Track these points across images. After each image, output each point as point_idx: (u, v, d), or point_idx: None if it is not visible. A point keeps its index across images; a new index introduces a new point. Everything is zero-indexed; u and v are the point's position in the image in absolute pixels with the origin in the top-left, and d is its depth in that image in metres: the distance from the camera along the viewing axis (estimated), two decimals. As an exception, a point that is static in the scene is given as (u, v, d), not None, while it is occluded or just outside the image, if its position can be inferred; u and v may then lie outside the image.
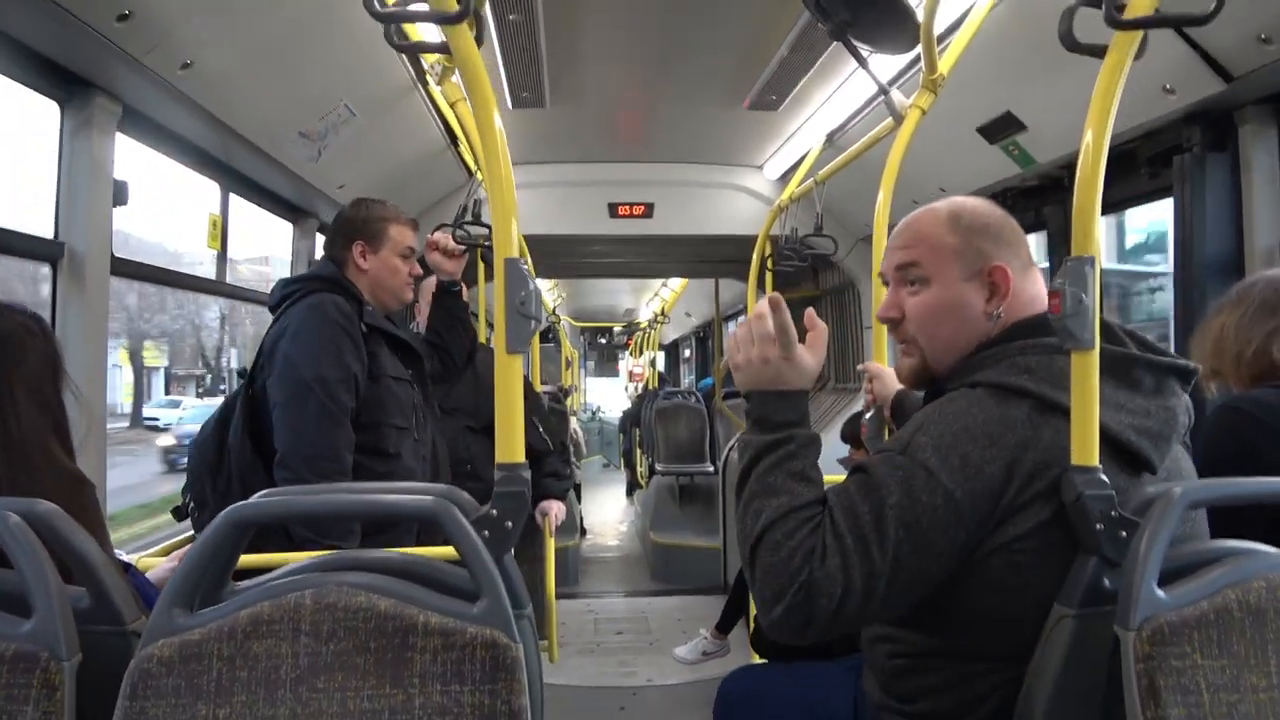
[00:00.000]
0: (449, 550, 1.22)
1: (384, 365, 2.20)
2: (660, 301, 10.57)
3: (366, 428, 2.14)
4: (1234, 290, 1.81)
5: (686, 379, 14.79)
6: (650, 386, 11.37)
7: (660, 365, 12.63)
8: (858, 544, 1.23)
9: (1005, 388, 1.31)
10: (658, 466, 7.72)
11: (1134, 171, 2.63)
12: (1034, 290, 1.43)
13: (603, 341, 17.68)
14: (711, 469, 7.32)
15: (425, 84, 3.10)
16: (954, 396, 1.35)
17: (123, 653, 1.15)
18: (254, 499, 1.22)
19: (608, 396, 19.01)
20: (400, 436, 2.21)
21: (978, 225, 1.43)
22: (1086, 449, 1.23)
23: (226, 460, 2.11)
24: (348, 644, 1.09)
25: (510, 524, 1.26)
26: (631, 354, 15.57)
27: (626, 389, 15.71)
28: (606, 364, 18.99)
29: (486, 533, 1.23)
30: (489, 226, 2.60)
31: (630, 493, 11.22)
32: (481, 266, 4.06)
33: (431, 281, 2.74)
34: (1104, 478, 1.22)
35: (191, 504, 2.19)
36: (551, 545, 3.33)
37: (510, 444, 1.31)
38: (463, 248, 2.61)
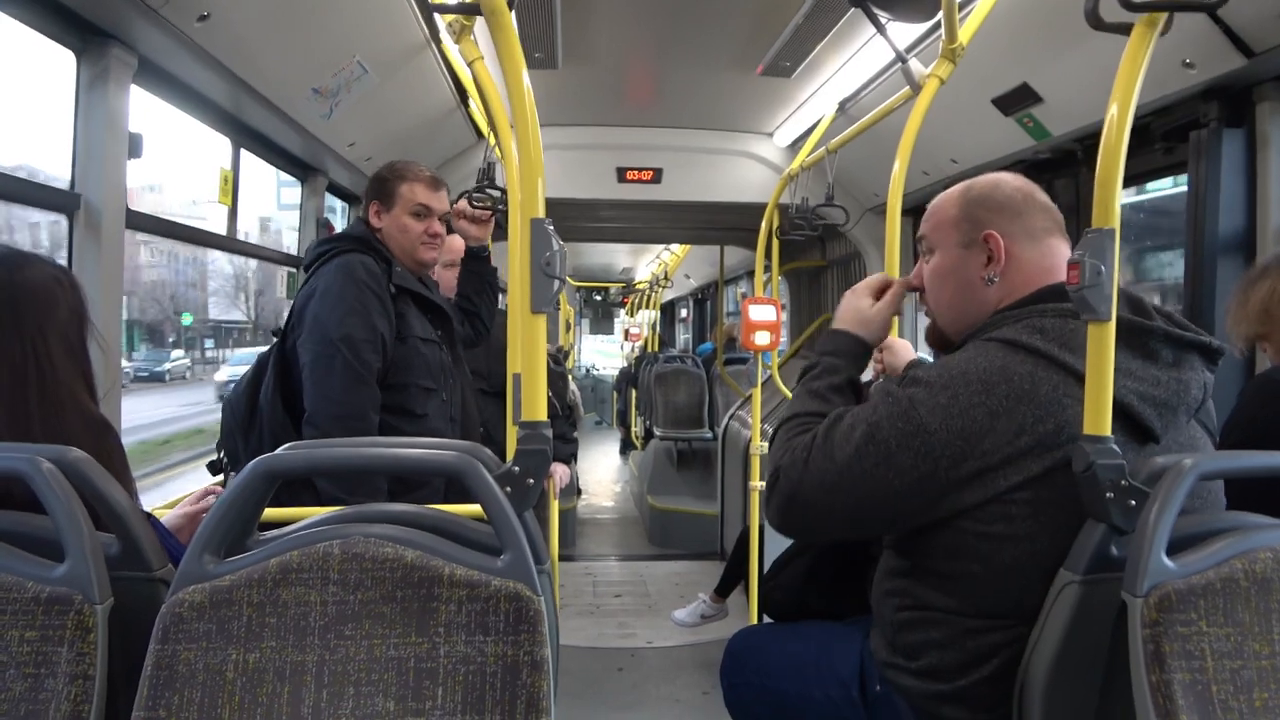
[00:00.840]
0: (473, 508, 1.25)
1: (412, 326, 2.21)
2: (661, 264, 10.54)
3: (393, 388, 2.16)
4: (1276, 255, 1.84)
5: (682, 339, 14.81)
6: (650, 349, 11.37)
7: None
8: (825, 441, 1.40)
9: (1014, 343, 1.37)
10: (656, 431, 7.75)
11: (1149, 146, 2.62)
12: (1048, 261, 1.48)
13: (598, 299, 17.69)
14: (710, 435, 7.36)
15: (439, 42, 3.08)
16: (966, 347, 1.44)
17: (151, 598, 1.18)
18: (281, 450, 1.24)
19: (602, 355, 19.13)
20: (427, 397, 2.23)
21: (980, 197, 1.53)
22: (1100, 419, 1.25)
23: (259, 418, 2.14)
24: (375, 593, 1.12)
25: (532, 481, 1.28)
26: (628, 313, 15.61)
27: (623, 348, 15.75)
28: (601, 322, 19.04)
29: (509, 489, 1.25)
30: (501, 190, 2.62)
31: (624, 451, 11.30)
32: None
33: (457, 246, 2.76)
34: (1115, 448, 1.25)
35: (225, 460, 2.23)
36: (555, 507, 3.36)
37: (533, 402, 1.32)
38: (489, 212, 2.62)
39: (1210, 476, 1.29)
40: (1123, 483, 1.24)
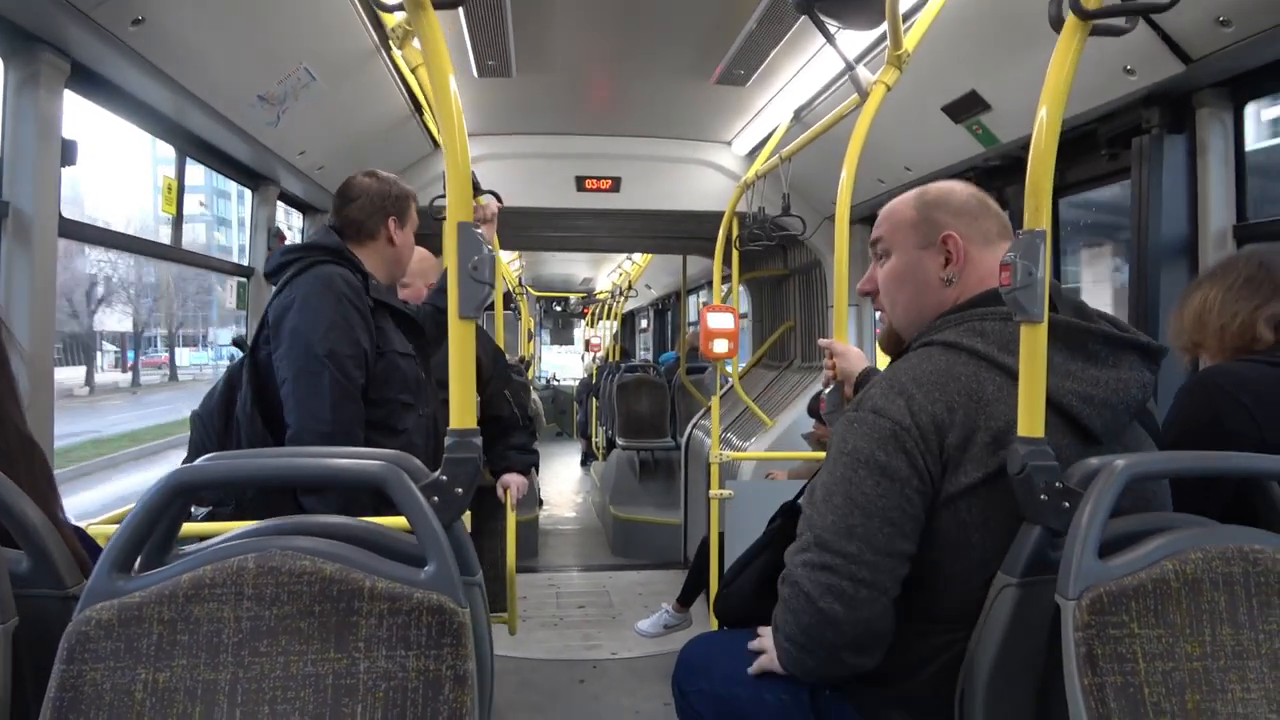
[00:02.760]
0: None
1: (391, 340, 2.18)
2: (622, 274, 10.54)
3: (376, 404, 2.12)
4: (1216, 264, 1.87)
5: (643, 352, 14.81)
6: (611, 359, 11.36)
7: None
8: (811, 510, 1.39)
9: (956, 345, 1.40)
10: (619, 441, 7.72)
11: (1094, 152, 2.65)
12: (996, 265, 1.47)
13: (559, 310, 17.66)
14: (673, 444, 7.35)
15: (389, 49, 3.04)
16: (909, 355, 1.46)
17: (62, 617, 1.14)
18: (199, 462, 1.20)
19: (563, 365, 19.13)
20: (406, 412, 2.20)
21: (937, 200, 1.55)
22: (1033, 420, 1.26)
23: (235, 431, 2.08)
24: (291, 608, 1.08)
25: (460, 490, 1.26)
26: (588, 324, 15.61)
27: (584, 359, 15.73)
28: (562, 332, 19.03)
29: (436, 498, 1.23)
30: (488, 191, 2.59)
31: (585, 463, 11.26)
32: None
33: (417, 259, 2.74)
34: (1049, 449, 1.25)
35: None
36: (513, 519, 3.32)
37: (462, 410, 1.30)
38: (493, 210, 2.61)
39: (1142, 477, 1.29)
40: (1057, 484, 1.25)
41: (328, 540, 1.13)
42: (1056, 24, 1.31)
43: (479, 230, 2.59)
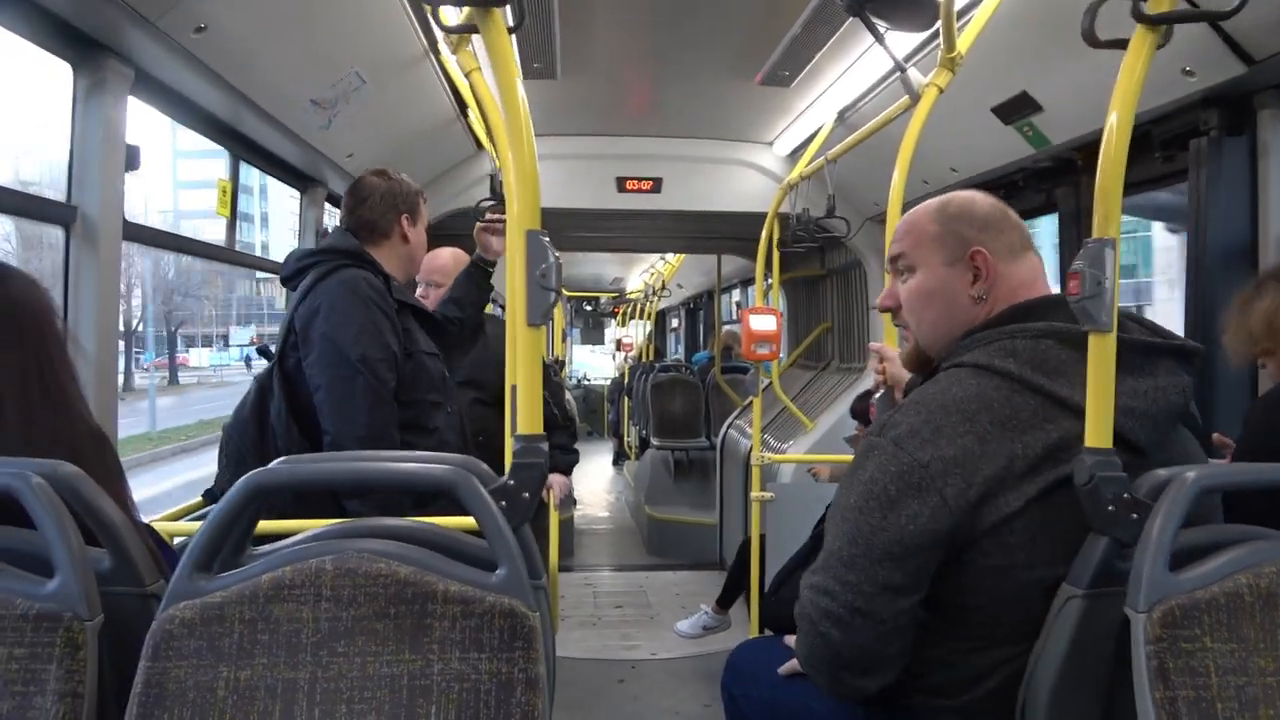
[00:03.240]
0: (465, 521, 1.24)
1: (417, 340, 2.20)
2: (654, 273, 10.54)
3: (406, 405, 2.14)
4: (1270, 270, 1.82)
5: (675, 350, 14.81)
6: (644, 359, 11.37)
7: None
8: (827, 537, 1.37)
9: (987, 368, 1.35)
10: (653, 440, 7.74)
11: (1148, 155, 2.62)
12: (1025, 275, 1.47)
13: (589, 309, 17.70)
14: (707, 444, 7.35)
15: (437, 53, 3.08)
16: (938, 378, 1.41)
17: (143, 614, 1.17)
18: (272, 465, 1.23)
19: (593, 364, 19.18)
20: (435, 411, 2.21)
21: (960, 213, 1.49)
22: (1101, 431, 1.25)
23: (270, 440, 2.10)
24: (368, 609, 1.10)
25: (528, 494, 1.27)
26: (619, 323, 15.61)
27: (615, 358, 15.75)
28: (592, 332, 19.07)
29: (504, 503, 1.24)
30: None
31: (617, 462, 11.27)
32: None
33: (440, 256, 2.76)
34: (1117, 460, 1.24)
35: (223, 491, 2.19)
36: (555, 519, 3.35)
37: (529, 416, 1.31)
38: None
39: (1214, 489, 1.28)
40: (1125, 495, 1.23)
41: (402, 543, 1.15)
42: (1089, 38, 1.30)
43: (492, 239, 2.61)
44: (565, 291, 13.75)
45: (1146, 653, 1.13)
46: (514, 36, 1.35)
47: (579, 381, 16.84)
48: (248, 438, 2.14)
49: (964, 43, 2.28)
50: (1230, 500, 1.44)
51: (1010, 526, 1.28)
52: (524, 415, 1.31)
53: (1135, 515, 1.23)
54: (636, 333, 12.49)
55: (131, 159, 2.22)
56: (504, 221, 2.63)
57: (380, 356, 2.06)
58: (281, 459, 1.26)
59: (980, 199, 1.52)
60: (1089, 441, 1.25)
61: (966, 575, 1.31)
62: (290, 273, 2.22)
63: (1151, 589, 1.15)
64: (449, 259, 2.97)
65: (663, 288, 10.70)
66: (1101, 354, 1.25)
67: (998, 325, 1.41)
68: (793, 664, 1.63)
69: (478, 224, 2.64)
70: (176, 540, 1.81)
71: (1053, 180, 3.21)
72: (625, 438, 10.94)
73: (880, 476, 1.31)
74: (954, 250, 1.47)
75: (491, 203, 2.71)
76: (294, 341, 2.11)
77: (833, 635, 1.33)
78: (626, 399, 10.75)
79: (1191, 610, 1.15)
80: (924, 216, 1.52)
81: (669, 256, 9.38)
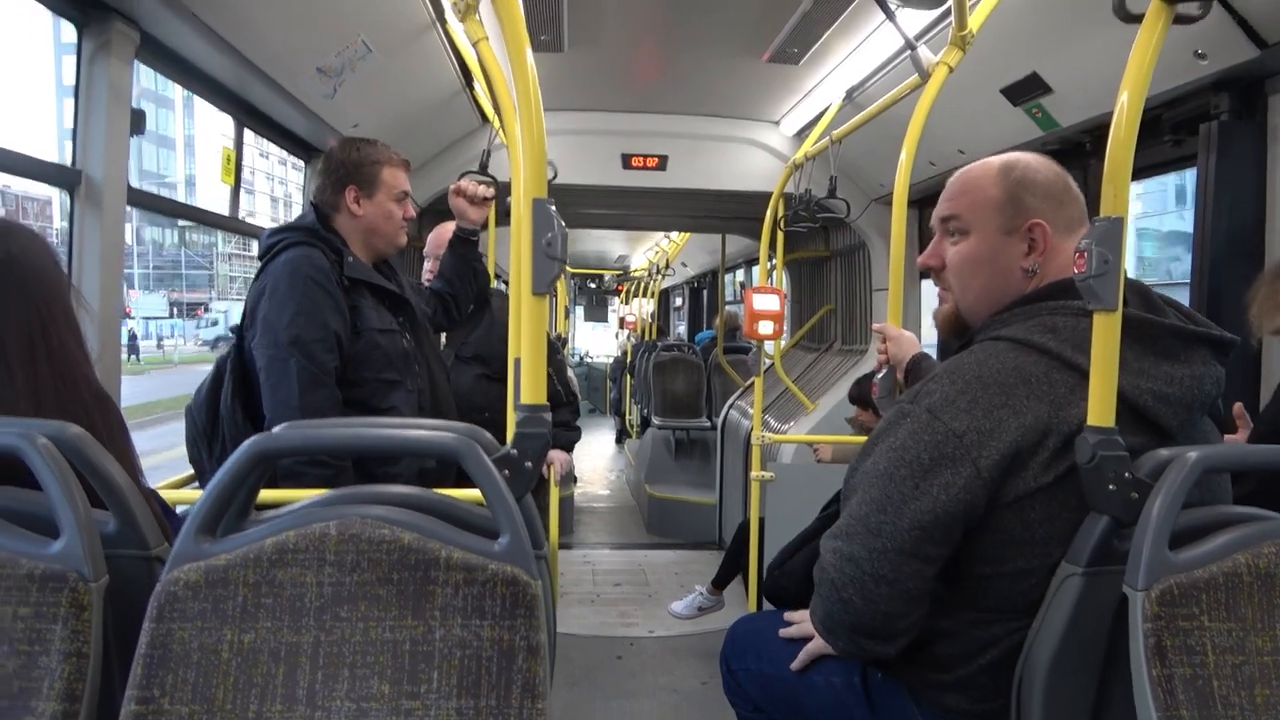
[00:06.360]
0: (465, 493, 1.24)
1: (368, 318, 2.14)
2: (660, 251, 10.52)
3: (354, 384, 2.10)
4: None
5: (677, 328, 14.79)
6: (647, 337, 11.37)
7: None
8: (847, 503, 1.39)
9: (1026, 343, 1.34)
10: (654, 420, 7.76)
11: (1158, 138, 2.61)
12: (1071, 255, 1.44)
13: (593, 287, 17.66)
14: (708, 424, 7.36)
15: (444, 22, 3.05)
16: (974, 349, 1.40)
17: (147, 577, 1.17)
18: (276, 430, 1.23)
19: (595, 342, 19.15)
20: (390, 390, 2.17)
21: (1026, 179, 1.44)
22: (1104, 410, 1.25)
23: (220, 426, 2.08)
24: (371, 575, 1.11)
25: (530, 464, 1.28)
26: (622, 301, 15.59)
27: (618, 336, 15.75)
28: (595, 309, 19.04)
29: (506, 472, 1.25)
30: (494, 178, 2.59)
31: (619, 440, 11.30)
32: (492, 212, 4.03)
33: (447, 230, 2.72)
34: (1119, 439, 1.24)
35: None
36: (556, 495, 3.36)
37: (532, 385, 1.31)
38: (491, 194, 2.57)
39: (1214, 469, 1.28)
40: (1126, 474, 1.23)
41: (406, 509, 1.15)
42: (1121, 13, 1.28)
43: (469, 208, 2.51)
44: (569, 268, 13.72)
45: (1144, 631, 1.14)
46: (521, 8, 1.34)
47: (581, 359, 16.82)
48: (200, 422, 2.13)
49: (975, 21, 2.26)
50: (1258, 489, 1.43)
51: (1034, 501, 1.28)
52: (527, 385, 1.31)
53: (1135, 495, 1.23)
54: (640, 310, 12.47)
55: (137, 123, 2.21)
56: (491, 195, 2.58)
57: (316, 337, 2.02)
58: (284, 425, 1.26)
59: (1044, 166, 1.46)
60: (1091, 420, 1.25)
61: (983, 545, 1.32)
62: (262, 250, 2.18)
63: (1150, 568, 1.16)
64: (452, 233, 2.95)
65: (666, 266, 10.68)
66: (1106, 333, 1.24)
67: (1041, 300, 1.39)
68: (794, 629, 1.64)
69: (450, 189, 2.56)
70: (180, 508, 1.82)
71: (1062, 163, 3.16)
72: (627, 416, 10.96)
73: (913, 444, 1.31)
74: (1012, 218, 1.43)
75: (472, 173, 2.64)
76: (248, 324, 2.09)
77: (855, 601, 1.33)
78: (629, 377, 10.76)
79: (1190, 589, 1.15)
80: (985, 178, 1.46)
81: (673, 235, 9.36)
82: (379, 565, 1.11)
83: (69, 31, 2.07)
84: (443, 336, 3.21)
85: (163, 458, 8.12)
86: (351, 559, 1.11)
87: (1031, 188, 1.43)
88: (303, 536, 1.11)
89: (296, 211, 3.57)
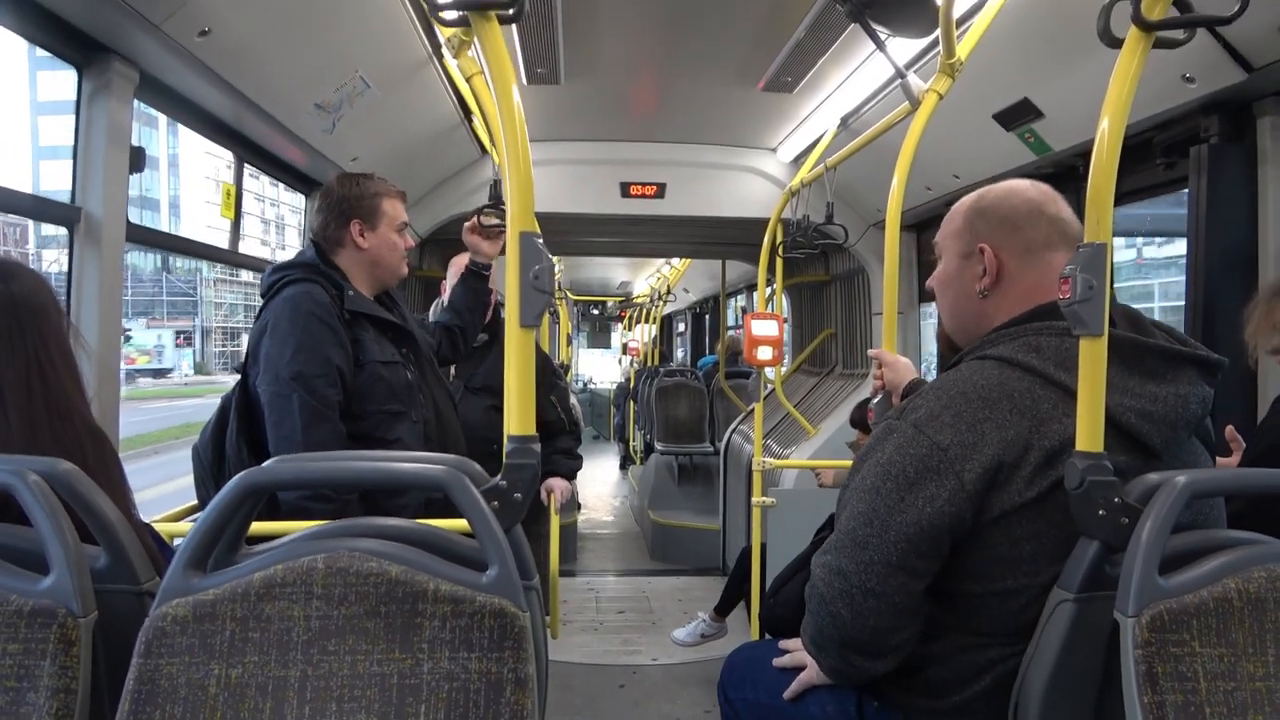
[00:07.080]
0: (459, 523, 1.24)
1: (370, 351, 2.15)
2: (660, 278, 10.56)
3: (358, 417, 2.11)
4: None
5: (679, 353, 14.80)
6: (650, 363, 11.37)
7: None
8: (838, 522, 1.40)
9: (1010, 361, 1.37)
10: (657, 445, 7.74)
11: (1148, 162, 2.62)
12: (1046, 279, 1.46)
13: (595, 314, 17.71)
14: (711, 449, 7.34)
15: (441, 57, 3.09)
16: (961, 367, 1.43)
17: (138, 612, 1.18)
18: (266, 464, 1.23)
19: (599, 368, 19.18)
20: (395, 421, 2.17)
21: (981, 207, 1.52)
22: (1092, 435, 1.25)
23: (226, 465, 2.08)
24: (359, 608, 1.11)
25: (519, 495, 1.28)
26: (625, 327, 15.63)
27: (621, 362, 15.77)
28: (598, 335, 19.10)
29: (495, 504, 1.25)
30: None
31: (623, 466, 11.26)
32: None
33: (461, 262, 2.75)
34: (1108, 464, 1.24)
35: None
36: (556, 523, 3.35)
37: (521, 416, 1.32)
38: (500, 225, 2.60)
39: (1203, 494, 1.28)
40: (1115, 500, 1.23)
41: (393, 542, 1.16)
42: (1106, 37, 1.30)
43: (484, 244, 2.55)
44: (571, 295, 13.75)
45: (1135, 657, 1.14)
46: (517, 42, 1.36)
47: (584, 385, 16.81)
48: (207, 461, 2.14)
49: (964, 49, 2.29)
50: (1244, 509, 1.44)
51: (1019, 517, 1.30)
52: (516, 416, 1.32)
53: (1125, 520, 1.23)
54: (642, 336, 12.49)
55: (136, 161, 2.23)
56: (499, 225, 2.62)
57: (318, 372, 2.03)
58: (274, 459, 1.26)
59: (1020, 191, 1.52)
60: (1080, 445, 1.25)
61: (972, 561, 1.33)
62: (264, 288, 2.20)
63: (1140, 593, 1.15)
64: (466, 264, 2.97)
65: (668, 292, 10.71)
66: (1092, 358, 1.25)
67: (1027, 321, 1.44)
68: (788, 658, 1.64)
69: (465, 226, 2.63)
70: (176, 541, 1.82)
71: (1056, 187, 3.19)
72: (630, 442, 10.95)
73: (899, 458, 1.33)
74: (969, 244, 1.51)
75: (489, 207, 2.69)
76: (251, 361, 2.11)
77: (843, 615, 1.35)
78: (632, 403, 10.76)
79: (1180, 615, 1.15)
80: (959, 208, 1.57)
81: (674, 261, 9.41)
82: (366, 598, 1.11)
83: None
84: (452, 368, 3.22)
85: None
86: (339, 592, 1.11)
87: (985, 214, 1.51)
88: (290, 570, 1.11)
89: (289, 234, 3.60)
